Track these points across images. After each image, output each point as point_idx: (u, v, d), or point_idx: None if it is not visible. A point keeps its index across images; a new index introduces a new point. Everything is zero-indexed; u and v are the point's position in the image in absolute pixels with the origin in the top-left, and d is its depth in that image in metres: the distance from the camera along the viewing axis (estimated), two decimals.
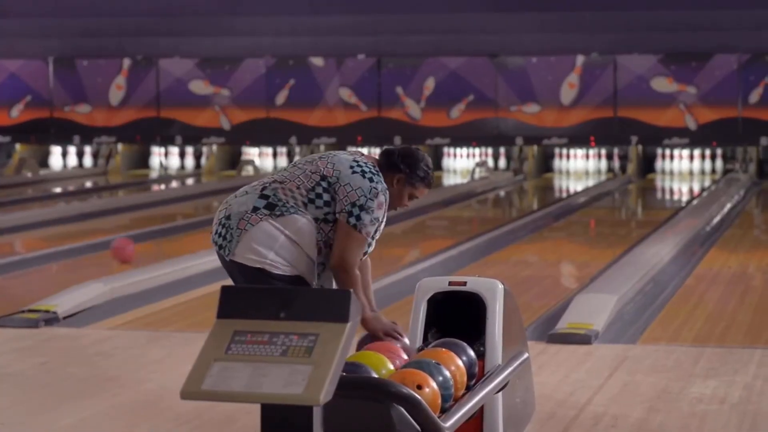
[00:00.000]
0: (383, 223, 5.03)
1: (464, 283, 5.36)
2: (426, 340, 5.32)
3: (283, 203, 4.87)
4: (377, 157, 5.07)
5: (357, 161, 4.92)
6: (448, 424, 4.43)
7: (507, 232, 13.51)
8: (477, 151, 21.57)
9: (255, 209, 4.86)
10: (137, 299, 9.36)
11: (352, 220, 4.83)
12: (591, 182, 20.10)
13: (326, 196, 4.87)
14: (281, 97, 21.22)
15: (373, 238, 4.98)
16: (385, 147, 5.15)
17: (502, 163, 21.61)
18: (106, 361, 7.30)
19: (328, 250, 4.92)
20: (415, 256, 12.04)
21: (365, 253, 5.03)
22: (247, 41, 21.76)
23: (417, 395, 4.29)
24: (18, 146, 22.78)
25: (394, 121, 20.96)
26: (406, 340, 5.04)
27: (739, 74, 19.98)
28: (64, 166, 22.88)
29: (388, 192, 4.95)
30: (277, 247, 4.84)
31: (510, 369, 5.18)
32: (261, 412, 3.86)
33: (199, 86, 21.67)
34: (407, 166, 4.99)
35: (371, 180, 4.87)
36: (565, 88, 20.53)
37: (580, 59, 20.48)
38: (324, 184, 4.87)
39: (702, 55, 20.11)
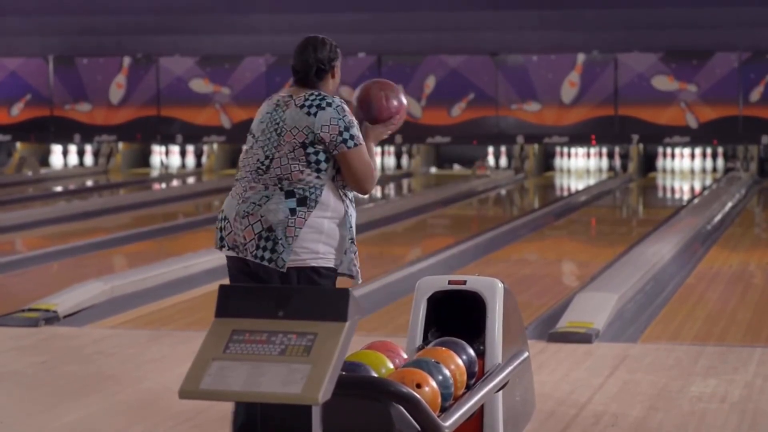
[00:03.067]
0: None
1: (464, 282, 5.35)
2: (426, 339, 5.32)
3: (308, 191, 4.82)
4: (305, 80, 4.97)
5: (303, 104, 4.88)
6: (448, 423, 4.42)
7: (507, 231, 13.50)
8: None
9: (293, 211, 4.82)
10: (138, 298, 9.36)
11: (350, 143, 4.84)
12: (592, 181, 20.09)
13: (321, 155, 4.86)
14: None
15: None
16: (296, 71, 5.01)
17: (503, 161, 21.61)
18: (106, 359, 7.30)
19: (344, 193, 4.92)
20: (415, 254, 12.04)
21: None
22: (247, 39, 21.76)
23: (416, 394, 4.28)
24: (18, 145, 22.77)
25: None
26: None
27: (740, 72, 19.97)
28: (65, 164, 22.87)
29: (342, 100, 4.95)
30: (324, 237, 4.82)
31: (510, 368, 5.17)
32: (260, 411, 3.85)
33: (200, 84, 21.67)
34: (327, 57, 4.96)
35: (329, 104, 4.87)
36: (565, 87, 20.51)
37: (580, 57, 20.47)
38: (311, 149, 4.85)
39: (703, 53, 20.09)
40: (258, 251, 4.80)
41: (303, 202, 4.81)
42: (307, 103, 4.87)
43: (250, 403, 4.77)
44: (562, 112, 20.54)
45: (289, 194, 4.82)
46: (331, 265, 4.84)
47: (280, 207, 4.81)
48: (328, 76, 4.98)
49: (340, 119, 4.84)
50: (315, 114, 4.84)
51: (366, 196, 4.94)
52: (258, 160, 4.90)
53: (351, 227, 4.93)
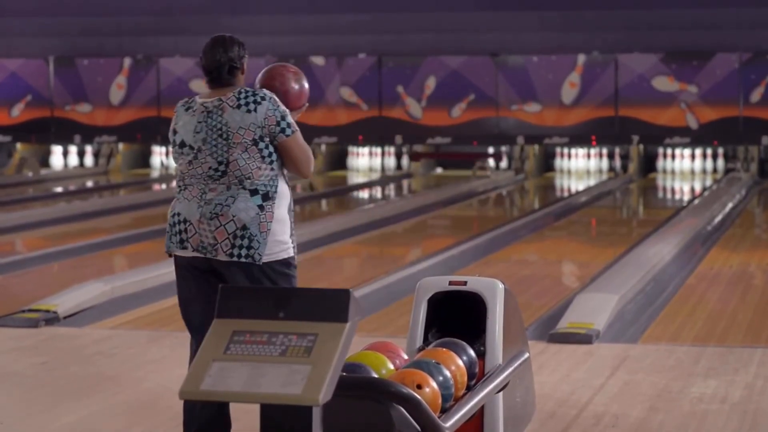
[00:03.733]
0: None
1: (464, 283, 5.35)
2: (426, 340, 5.31)
3: (268, 185, 4.91)
4: (219, 79, 5.09)
5: (239, 104, 4.95)
6: (449, 424, 4.42)
7: (508, 232, 13.50)
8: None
9: (261, 207, 4.91)
10: (138, 299, 9.36)
11: (288, 131, 4.96)
12: (592, 181, 20.09)
13: (270, 147, 4.96)
14: None
15: None
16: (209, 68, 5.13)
17: (503, 162, 21.60)
18: (106, 360, 7.30)
19: (288, 177, 5.06)
20: (416, 255, 12.03)
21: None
22: (248, 40, 21.51)
23: (417, 395, 4.28)
24: (19, 146, 22.77)
25: (395, 120, 20.95)
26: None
27: (740, 73, 19.97)
28: (65, 165, 22.88)
29: (271, 93, 5.03)
30: (287, 228, 4.97)
31: (510, 369, 5.17)
32: (260, 412, 3.85)
33: (200, 85, 21.65)
34: (237, 55, 5.17)
35: (262, 98, 4.97)
36: (566, 87, 20.51)
37: (581, 58, 20.47)
38: (261, 144, 4.93)
39: (703, 53, 20.09)
40: (234, 249, 4.90)
41: (267, 196, 4.95)
42: (242, 101, 4.97)
43: (201, 410, 4.86)
44: (563, 113, 20.54)
45: (254, 192, 4.94)
46: (293, 254, 5.00)
47: (249, 205, 4.92)
48: (239, 73, 5.13)
49: (275, 110, 4.95)
50: (255, 110, 4.94)
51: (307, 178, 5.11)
52: (210, 167, 4.98)
53: (292, 210, 5.09)
